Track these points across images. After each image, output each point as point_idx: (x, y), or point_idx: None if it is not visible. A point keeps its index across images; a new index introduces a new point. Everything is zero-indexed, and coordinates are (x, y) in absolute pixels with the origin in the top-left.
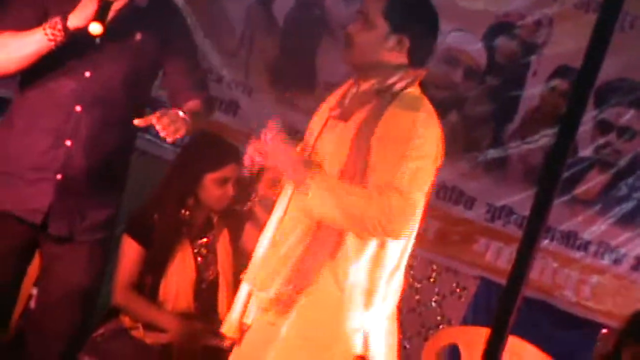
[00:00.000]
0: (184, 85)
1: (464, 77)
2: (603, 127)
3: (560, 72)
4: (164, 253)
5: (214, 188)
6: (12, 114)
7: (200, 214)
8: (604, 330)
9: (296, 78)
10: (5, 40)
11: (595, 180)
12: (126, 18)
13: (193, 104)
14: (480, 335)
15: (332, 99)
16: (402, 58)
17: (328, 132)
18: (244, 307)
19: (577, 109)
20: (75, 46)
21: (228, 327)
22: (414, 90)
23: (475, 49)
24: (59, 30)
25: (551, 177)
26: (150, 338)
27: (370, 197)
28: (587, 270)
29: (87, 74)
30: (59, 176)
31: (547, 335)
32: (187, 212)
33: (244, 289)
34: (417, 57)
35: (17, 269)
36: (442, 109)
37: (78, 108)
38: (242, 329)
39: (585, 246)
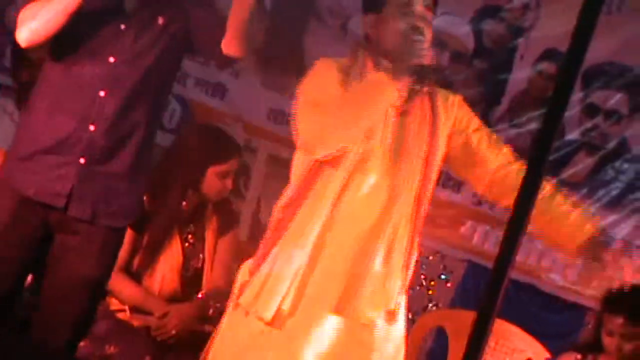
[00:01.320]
0: (216, 35)
1: (452, 61)
2: (590, 110)
3: (548, 55)
4: (157, 240)
5: (216, 181)
6: (34, 98)
7: (196, 203)
8: (591, 314)
9: (284, 61)
10: (33, 6)
11: (582, 164)
12: (148, 3)
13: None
14: (467, 318)
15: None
16: None
17: (387, 126)
18: (286, 295)
19: (564, 92)
20: (100, 31)
21: (262, 309)
22: None
23: (462, 32)
24: None
25: (538, 160)
26: (137, 320)
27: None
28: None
29: (112, 59)
30: (82, 160)
31: (534, 318)
32: (186, 203)
33: (287, 277)
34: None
35: (32, 257)
36: None
37: (102, 93)
38: (280, 315)
39: None
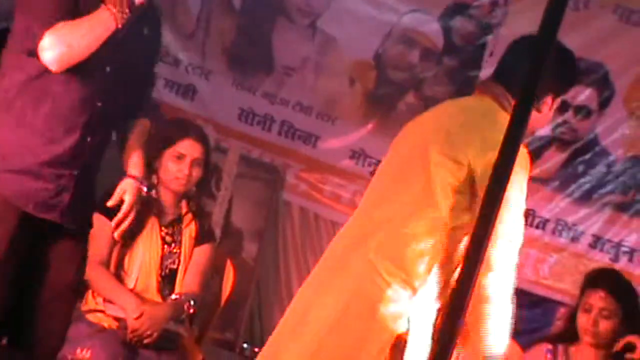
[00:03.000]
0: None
1: (421, 58)
2: (560, 105)
3: None
4: (135, 232)
5: (169, 164)
6: (24, 109)
7: (167, 195)
8: (563, 309)
9: (253, 61)
10: (66, 30)
11: (552, 159)
12: (138, 14)
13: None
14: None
15: None
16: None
17: None
18: None
19: (532, 88)
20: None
21: None
22: None
23: (432, 29)
24: (127, 7)
25: (507, 155)
26: (107, 321)
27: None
28: (545, 248)
29: (108, 68)
30: (76, 172)
31: None
32: (155, 192)
33: None
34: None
35: (27, 270)
36: (399, 90)
37: (99, 104)
38: None
39: (543, 224)
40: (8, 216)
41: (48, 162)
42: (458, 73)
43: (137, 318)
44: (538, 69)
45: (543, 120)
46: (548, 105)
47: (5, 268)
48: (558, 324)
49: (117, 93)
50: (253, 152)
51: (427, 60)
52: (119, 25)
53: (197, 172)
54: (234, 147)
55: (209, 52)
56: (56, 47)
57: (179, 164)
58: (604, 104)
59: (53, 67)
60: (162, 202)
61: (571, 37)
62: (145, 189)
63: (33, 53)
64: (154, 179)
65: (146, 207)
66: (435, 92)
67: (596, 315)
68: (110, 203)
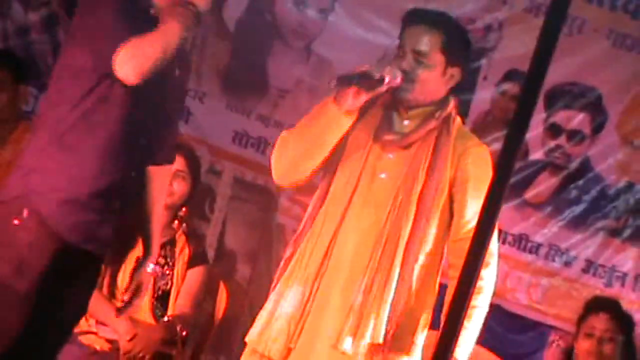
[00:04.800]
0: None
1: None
2: (553, 130)
3: (511, 76)
4: (124, 247)
5: None
6: (79, 134)
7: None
8: (555, 333)
9: (248, 84)
10: (139, 42)
11: (545, 184)
12: (202, 24)
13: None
14: (430, 337)
15: (365, 122)
16: (448, 88)
17: (376, 157)
18: (292, 333)
19: (525, 113)
20: None
21: (270, 348)
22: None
23: None
24: (194, 16)
25: (500, 180)
26: (99, 343)
27: None
28: (538, 273)
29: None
30: (118, 204)
31: (499, 338)
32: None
33: (285, 315)
34: (459, 85)
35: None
36: None
37: (144, 140)
38: (289, 352)
39: (536, 249)
40: (49, 245)
41: (98, 193)
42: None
43: (129, 340)
44: (533, 92)
45: (440, 87)
46: (449, 73)
47: (35, 298)
48: (550, 349)
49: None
50: (247, 174)
51: None
52: (188, 34)
53: (180, 186)
54: (228, 170)
55: (204, 74)
56: (133, 59)
57: None
58: (597, 129)
59: (131, 79)
60: None
61: (565, 62)
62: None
63: (109, 74)
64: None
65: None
66: None
67: (600, 338)
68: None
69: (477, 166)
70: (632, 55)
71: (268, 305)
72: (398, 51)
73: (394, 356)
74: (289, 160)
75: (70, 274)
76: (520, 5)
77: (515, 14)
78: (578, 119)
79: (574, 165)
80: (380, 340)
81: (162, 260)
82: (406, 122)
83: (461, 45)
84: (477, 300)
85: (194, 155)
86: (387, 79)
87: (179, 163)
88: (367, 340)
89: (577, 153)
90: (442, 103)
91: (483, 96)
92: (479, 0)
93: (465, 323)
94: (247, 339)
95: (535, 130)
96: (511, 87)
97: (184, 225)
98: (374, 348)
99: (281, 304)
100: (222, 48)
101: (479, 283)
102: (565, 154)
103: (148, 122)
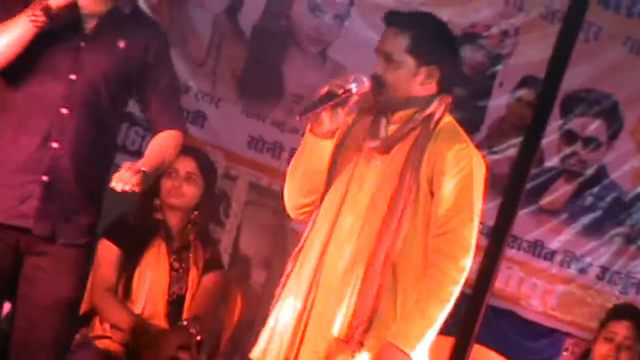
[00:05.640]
0: (163, 117)
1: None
2: (569, 137)
3: (526, 82)
4: (138, 251)
5: (164, 181)
6: None
7: (171, 216)
8: (570, 340)
9: (263, 89)
10: None
11: (561, 190)
12: (110, 24)
13: (172, 137)
14: (446, 343)
15: (355, 132)
16: (432, 88)
17: (365, 165)
18: (290, 348)
19: (541, 119)
20: (59, 49)
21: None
22: (447, 117)
23: None
24: (41, 11)
25: (516, 186)
26: (114, 347)
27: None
28: (553, 280)
29: (73, 76)
30: (45, 178)
31: (514, 344)
32: (160, 214)
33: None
34: (446, 84)
35: (7, 285)
36: None
37: (64, 110)
38: None
39: (551, 256)
40: None
41: (12, 169)
42: (467, 103)
43: (139, 340)
44: (548, 99)
45: (414, 87)
46: (424, 73)
47: None
48: (565, 356)
49: (93, 101)
50: (262, 179)
51: None
52: (37, 29)
53: (191, 187)
54: (243, 175)
55: (219, 79)
56: None
57: (172, 179)
58: (613, 136)
59: None
60: (170, 226)
61: (581, 68)
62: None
63: None
64: (158, 202)
65: (154, 230)
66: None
67: (619, 344)
68: None
69: (455, 164)
70: None
71: (270, 322)
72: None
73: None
74: (289, 197)
75: (10, 253)
76: (536, 11)
77: (531, 20)
78: (594, 126)
79: (589, 172)
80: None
81: (176, 265)
82: (392, 127)
83: (435, 43)
84: (439, 296)
85: (205, 157)
86: (353, 88)
87: (189, 165)
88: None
89: (592, 160)
90: (426, 103)
91: (499, 103)
92: (495, 7)
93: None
94: (251, 356)
95: (550, 136)
96: (527, 94)
97: (198, 229)
98: (341, 343)
99: (279, 320)
100: (237, 53)
101: (443, 279)
102: (581, 160)
103: (79, 92)
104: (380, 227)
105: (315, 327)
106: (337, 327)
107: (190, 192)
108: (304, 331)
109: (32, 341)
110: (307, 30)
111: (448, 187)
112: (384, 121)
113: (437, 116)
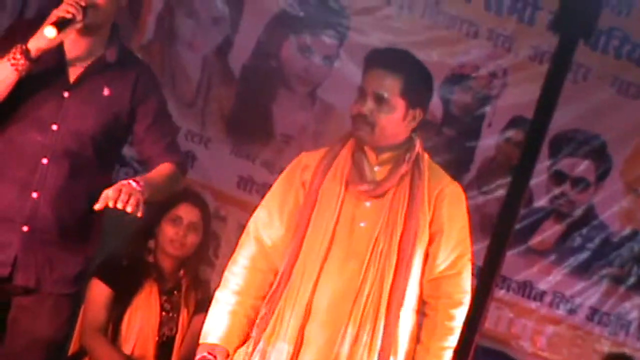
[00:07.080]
0: (156, 150)
1: (421, 129)
2: (558, 177)
3: (515, 122)
4: (129, 291)
5: (168, 227)
6: None
7: (165, 260)
8: None
9: (253, 129)
10: None
11: (550, 231)
12: (95, 73)
13: (167, 168)
14: None
15: (335, 172)
16: (411, 128)
17: (354, 206)
18: None
19: (530, 160)
20: (42, 99)
21: None
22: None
23: (431, 101)
24: (21, 54)
25: (505, 226)
26: None
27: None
28: (542, 321)
29: (55, 127)
30: (25, 228)
31: None
32: (152, 257)
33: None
34: (421, 123)
35: None
36: None
37: (45, 160)
38: None
39: (540, 296)
40: None
41: None
42: (457, 143)
43: None
44: (537, 139)
45: (401, 129)
46: (411, 116)
47: None
48: None
49: (76, 152)
50: None
51: (427, 130)
52: (18, 73)
53: (193, 237)
54: (233, 215)
55: (209, 119)
56: None
57: (175, 227)
58: (601, 176)
59: None
60: (162, 268)
61: (569, 109)
62: None
63: None
64: (152, 244)
65: (146, 272)
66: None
67: None
68: None
69: (453, 207)
70: (636, 103)
71: None
72: (359, 92)
73: None
74: None
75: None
76: (524, 52)
77: (519, 61)
78: (582, 167)
79: (578, 212)
80: None
81: (167, 306)
82: (377, 169)
83: (422, 86)
84: (448, 341)
85: (207, 207)
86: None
87: (194, 215)
88: None
89: (581, 200)
90: (409, 144)
91: (488, 143)
92: (484, 48)
93: None
94: None
95: (539, 177)
96: (515, 134)
97: (189, 271)
98: None
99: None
100: (227, 93)
101: (451, 323)
102: (570, 201)
103: (61, 143)
104: (395, 270)
105: None
106: None
107: (191, 242)
108: None
109: None
110: (297, 70)
111: (447, 235)
112: (365, 162)
113: (421, 154)
